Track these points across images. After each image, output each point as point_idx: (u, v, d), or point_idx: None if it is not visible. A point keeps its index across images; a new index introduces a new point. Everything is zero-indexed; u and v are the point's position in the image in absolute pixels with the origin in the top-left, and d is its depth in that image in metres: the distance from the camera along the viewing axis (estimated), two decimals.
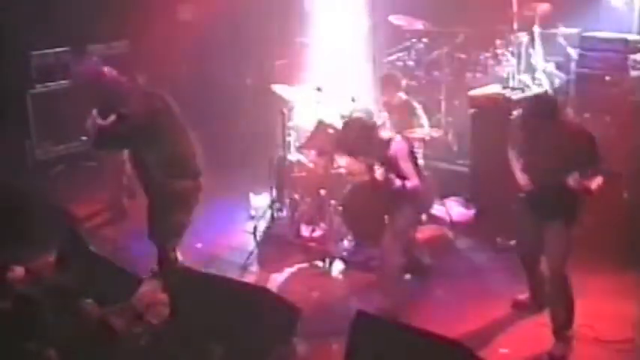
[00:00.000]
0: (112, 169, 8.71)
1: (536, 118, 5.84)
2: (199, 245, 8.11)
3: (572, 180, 5.56)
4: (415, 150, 7.00)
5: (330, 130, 7.82)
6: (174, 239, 6.81)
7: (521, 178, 6.08)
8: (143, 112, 6.45)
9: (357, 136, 6.51)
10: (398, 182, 6.37)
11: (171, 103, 6.62)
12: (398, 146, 6.54)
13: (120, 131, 6.54)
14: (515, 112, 8.14)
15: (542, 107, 5.92)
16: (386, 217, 6.82)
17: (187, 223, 6.76)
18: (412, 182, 6.44)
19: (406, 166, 6.47)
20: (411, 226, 6.89)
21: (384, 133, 6.74)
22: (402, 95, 8.31)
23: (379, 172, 6.31)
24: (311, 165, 8.13)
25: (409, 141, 6.95)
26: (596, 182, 5.55)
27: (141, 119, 6.43)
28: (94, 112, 8.44)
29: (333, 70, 9.57)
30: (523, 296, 6.72)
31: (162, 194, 6.62)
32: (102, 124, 8.38)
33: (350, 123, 6.76)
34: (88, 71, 8.49)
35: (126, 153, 8.58)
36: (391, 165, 6.42)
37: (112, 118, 6.74)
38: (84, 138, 9.17)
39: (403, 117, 8.13)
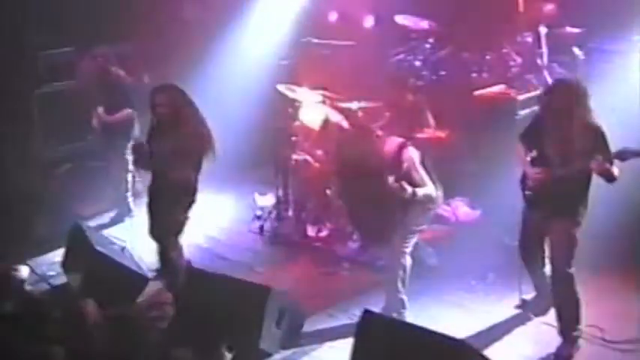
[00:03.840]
0: (118, 168, 8.73)
1: (563, 102, 5.78)
2: (205, 245, 8.12)
3: (595, 163, 5.58)
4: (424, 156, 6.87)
5: (337, 130, 7.82)
6: (173, 237, 6.83)
7: (531, 171, 6.01)
8: (168, 100, 6.62)
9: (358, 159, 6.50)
10: (409, 190, 6.26)
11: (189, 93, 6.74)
12: (408, 155, 6.43)
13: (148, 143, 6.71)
14: (521, 112, 8.15)
15: (570, 92, 5.84)
16: (393, 217, 6.77)
17: (184, 221, 6.78)
18: (425, 190, 6.34)
19: (418, 175, 6.38)
20: (421, 228, 6.83)
21: (393, 141, 6.61)
22: (409, 95, 8.29)
23: (390, 180, 6.22)
24: (317, 165, 8.13)
25: (419, 148, 6.82)
26: (615, 169, 5.61)
27: (165, 107, 6.61)
28: (100, 109, 8.52)
29: (339, 70, 9.56)
30: (528, 296, 6.71)
31: (161, 190, 6.66)
32: (108, 119, 8.44)
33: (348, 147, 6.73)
34: (93, 70, 8.56)
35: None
36: (402, 174, 6.34)
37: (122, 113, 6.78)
38: (90, 137, 9.22)
39: (410, 117, 8.12)
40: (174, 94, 6.68)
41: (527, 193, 6.11)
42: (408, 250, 6.53)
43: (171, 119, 6.61)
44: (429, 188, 6.38)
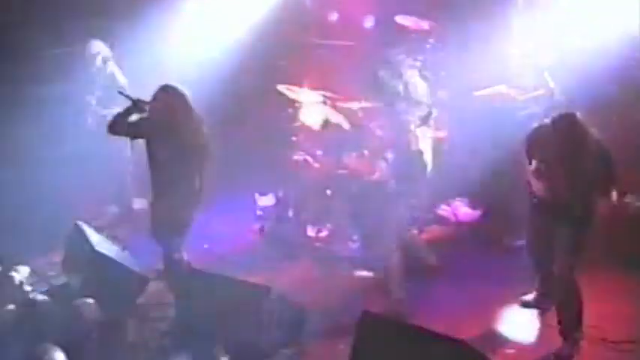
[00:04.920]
0: (119, 168, 8.72)
1: (566, 142, 5.73)
2: (206, 246, 8.12)
3: (613, 197, 5.64)
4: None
5: (336, 130, 7.82)
6: (177, 239, 6.80)
7: (535, 184, 6.06)
8: (162, 106, 6.50)
9: None
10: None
11: (189, 97, 6.63)
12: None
13: (137, 121, 6.58)
14: (521, 113, 8.14)
15: (573, 133, 5.75)
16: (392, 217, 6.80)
17: (190, 223, 6.76)
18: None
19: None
20: (414, 226, 6.85)
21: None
22: None
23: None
24: (317, 165, 8.13)
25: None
26: (629, 198, 5.68)
27: (159, 113, 6.47)
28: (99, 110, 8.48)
29: (339, 70, 9.55)
30: (530, 296, 6.72)
31: (167, 192, 6.63)
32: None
33: None
34: (93, 69, 8.55)
35: (130, 152, 8.63)
36: None
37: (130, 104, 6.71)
38: (90, 137, 9.21)
39: None
40: (174, 95, 6.58)
41: (533, 200, 6.13)
42: (399, 249, 6.53)
43: (167, 121, 6.50)
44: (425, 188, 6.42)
